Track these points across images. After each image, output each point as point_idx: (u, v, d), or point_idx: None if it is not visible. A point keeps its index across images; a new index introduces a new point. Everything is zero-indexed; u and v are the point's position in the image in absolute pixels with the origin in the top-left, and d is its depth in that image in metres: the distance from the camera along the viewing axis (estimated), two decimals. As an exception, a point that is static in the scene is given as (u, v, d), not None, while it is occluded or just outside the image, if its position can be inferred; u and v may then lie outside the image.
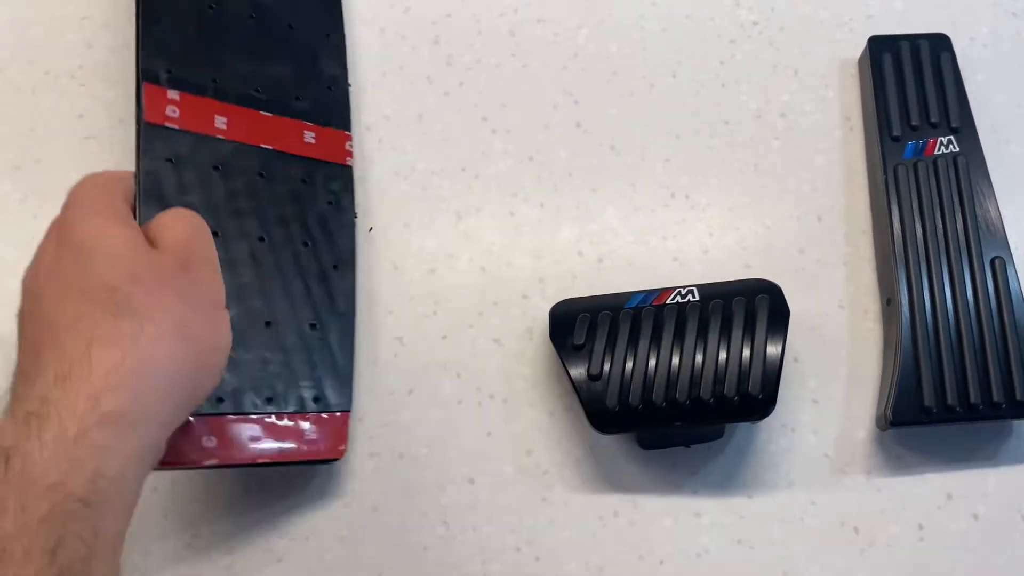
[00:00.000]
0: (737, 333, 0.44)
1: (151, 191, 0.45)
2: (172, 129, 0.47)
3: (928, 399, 0.45)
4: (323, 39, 0.54)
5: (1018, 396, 0.45)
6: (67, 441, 0.30)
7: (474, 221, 0.52)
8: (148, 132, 0.46)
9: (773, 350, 0.44)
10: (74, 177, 0.51)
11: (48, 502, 0.29)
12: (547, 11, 0.57)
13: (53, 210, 0.51)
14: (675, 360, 0.44)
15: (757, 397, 0.43)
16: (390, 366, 0.48)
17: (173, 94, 0.48)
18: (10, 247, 0.51)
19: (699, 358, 0.44)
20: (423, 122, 0.54)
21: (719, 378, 0.43)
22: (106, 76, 0.55)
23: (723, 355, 0.43)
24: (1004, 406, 0.45)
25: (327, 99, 0.52)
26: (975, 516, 0.46)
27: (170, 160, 0.46)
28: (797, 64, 0.56)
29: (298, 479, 0.47)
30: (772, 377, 0.43)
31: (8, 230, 0.51)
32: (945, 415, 0.45)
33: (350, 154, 0.51)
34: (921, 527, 0.46)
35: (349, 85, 0.54)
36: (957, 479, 0.46)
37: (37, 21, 0.56)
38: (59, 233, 0.36)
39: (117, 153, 0.53)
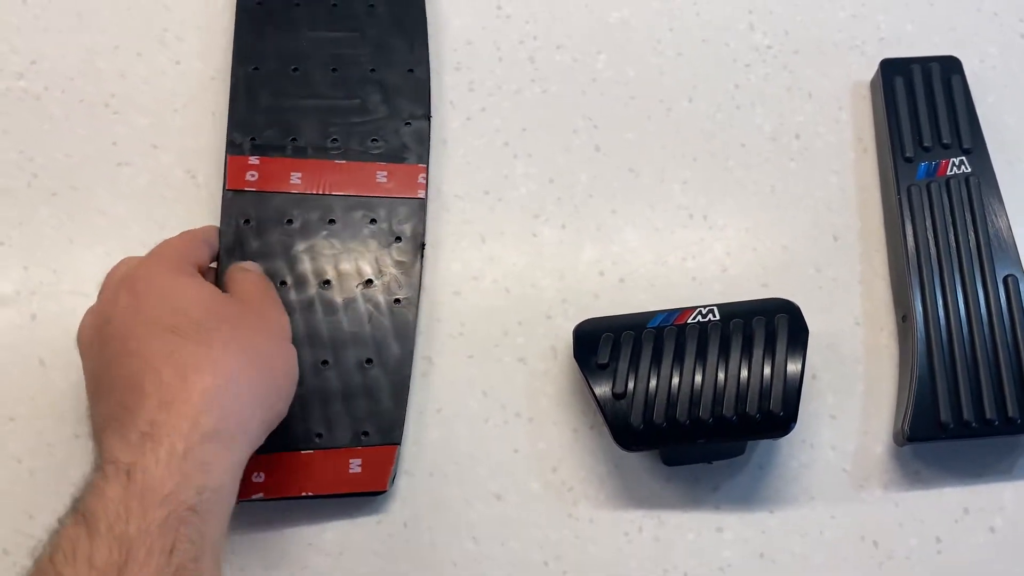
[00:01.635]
0: (758, 352, 0.45)
1: (230, 247, 0.50)
2: (250, 192, 0.51)
3: (944, 415, 0.46)
4: (405, 76, 0.55)
5: (1032, 411, 0.46)
6: (177, 457, 0.36)
7: (498, 243, 0.53)
8: (229, 197, 0.51)
9: (793, 368, 0.45)
10: (107, 202, 0.54)
11: (164, 509, 0.34)
12: (566, 37, 0.58)
13: (89, 234, 0.53)
14: (697, 378, 0.45)
15: (778, 415, 0.44)
16: (419, 386, 0.50)
17: (254, 160, 0.52)
18: (47, 271, 0.52)
19: (721, 376, 0.45)
20: (447, 147, 0.56)
21: (741, 396, 0.44)
22: (138, 104, 0.56)
23: (744, 374, 0.45)
24: (1019, 421, 0.46)
25: (404, 136, 0.54)
26: (992, 529, 0.47)
27: (248, 220, 0.51)
28: (811, 86, 0.57)
29: (332, 497, 0.48)
30: (792, 395, 0.44)
31: (46, 255, 0.53)
32: (961, 430, 0.46)
33: (423, 186, 0.53)
34: (939, 540, 0.47)
35: (430, 117, 0.54)
36: (974, 493, 0.48)
37: (72, 51, 0.58)
38: (134, 284, 0.42)
39: (148, 178, 0.54)
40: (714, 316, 0.47)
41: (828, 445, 0.49)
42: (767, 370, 0.45)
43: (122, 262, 0.46)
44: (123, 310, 0.41)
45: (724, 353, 0.45)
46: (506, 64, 0.58)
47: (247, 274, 0.48)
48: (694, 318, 0.47)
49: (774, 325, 0.46)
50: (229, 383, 0.38)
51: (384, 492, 0.47)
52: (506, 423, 0.49)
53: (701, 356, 0.45)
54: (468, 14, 0.59)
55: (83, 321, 0.44)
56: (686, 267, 0.53)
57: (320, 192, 0.52)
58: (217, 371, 0.38)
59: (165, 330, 0.40)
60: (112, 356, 0.40)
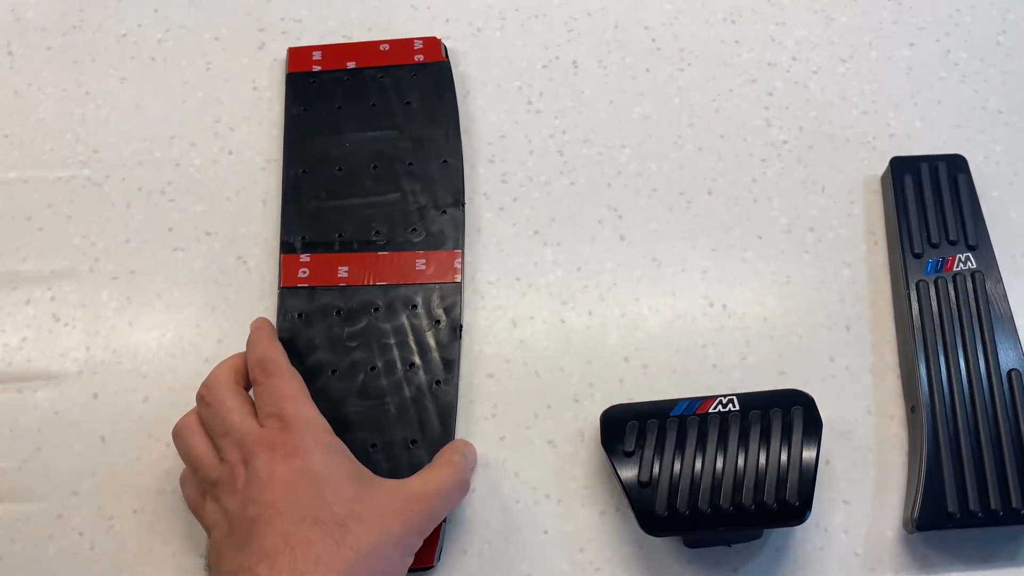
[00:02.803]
0: (775, 443, 0.48)
1: (285, 342, 0.53)
2: (302, 288, 0.55)
3: (951, 504, 0.49)
4: (440, 166, 0.59)
5: (1035, 502, 0.48)
6: None
7: (528, 328, 0.57)
8: (283, 295, 0.55)
9: (808, 458, 0.48)
10: (163, 286, 0.57)
11: None
12: (593, 132, 0.62)
13: (147, 316, 0.57)
14: (719, 467, 0.48)
15: (794, 504, 0.47)
16: (454, 466, 0.53)
17: (305, 258, 0.56)
18: (108, 352, 0.56)
19: (740, 465, 0.48)
20: (481, 235, 0.59)
21: (759, 485, 0.47)
22: (193, 192, 0.60)
23: (762, 462, 0.48)
24: (1022, 512, 0.48)
25: (440, 224, 0.57)
26: (998, 614, 0.49)
27: (300, 315, 0.55)
28: (824, 180, 0.60)
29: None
30: (808, 487, 0.47)
31: (106, 336, 0.56)
32: (967, 520, 0.48)
33: (458, 271, 0.56)
34: (947, 624, 0.49)
35: (463, 203, 0.58)
36: (980, 578, 0.50)
37: (130, 141, 0.62)
38: (302, 461, 0.45)
39: (201, 263, 0.58)
40: (734, 406, 0.50)
41: (841, 529, 0.51)
42: (783, 460, 0.48)
43: (269, 386, 0.49)
44: (285, 486, 0.44)
45: (743, 443, 0.48)
46: (536, 156, 0.61)
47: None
48: (715, 407, 0.50)
49: (790, 416, 0.49)
50: None
51: (431, 568, 0.50)
52: (536, 504, 0.52)
53: (722, 445, 0.48)
54: (502, 110, 0.63)
55: (230, 420, 0.47)
56: (707, 354, 0.56)
57: (366, 283, 0.55)
58: (345, 570, 0.41)
59: (312, 520, 0.42)
60: (264, 522, 0.42)
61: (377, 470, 0.51)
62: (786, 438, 0.48)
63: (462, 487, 0.49)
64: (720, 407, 0.50)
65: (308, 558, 0.41)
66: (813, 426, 0.49)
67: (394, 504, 0.45)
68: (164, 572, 0.51)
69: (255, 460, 0.44)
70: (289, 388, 0.48)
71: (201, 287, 0.58)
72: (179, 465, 0.52)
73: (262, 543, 0.41)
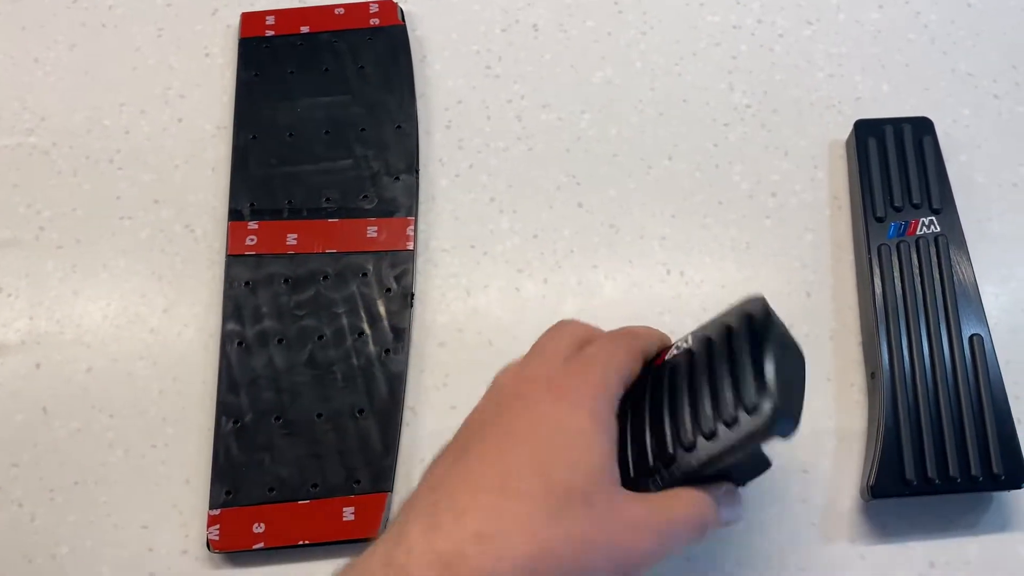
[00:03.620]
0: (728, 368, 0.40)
1: (231, 313, 0.53)
2: (249, 256, 0.54)
3: (909, 472, 0.47)
4: (394, 132, 0.58)
5: (995, 469, 0.47)
6: None
7: (482, 296, 0.55)
8: (229, 262, 0.54)
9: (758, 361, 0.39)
10: (110, 255, 0.56)
11: None
12: (552, 97, 0.60)
13: (92, 286, 0.55)
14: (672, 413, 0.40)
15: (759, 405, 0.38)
16: (404, 436, 0.52)
17: (253, 225, 0.55)
18: (52, 322, 0.55)
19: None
20: (435, 202, 0.58)
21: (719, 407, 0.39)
22: (142, 160, 0.59)
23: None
24: (981, 479, 0.47)
25: (393, 190, 0.56)
26: (957, 584, 0.48)
27: (247, 284, 0.53)
28: (788, 145, 0.59)
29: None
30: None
31: (51, 306, 0.55)
32: (925, 487, 0.47)
33: (411, 238, 0.55)
34: (905, 594, 0.48)
35: (418, 170, 0.57)
36: (939, 548, 0.49)
37: (78, 108, 0.60)
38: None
39: (148, 232, 0.57)
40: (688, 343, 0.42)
41: (798, 499, 0.50)
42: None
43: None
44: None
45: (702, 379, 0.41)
46: (494, 122, 0.60)
47: None
48: (670, 355, 0.42)
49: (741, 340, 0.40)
50: None
51: (375, 539, 0.48)
52: (486, 474, 0.51)
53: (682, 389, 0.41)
54: (459, 74, 0.61)
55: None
56: (663, 321, 0.54)
57: (315, 251, 0.54)
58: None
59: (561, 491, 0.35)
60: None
61: (323, 439, 0.50)
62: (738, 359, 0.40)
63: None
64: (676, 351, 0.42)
65: None
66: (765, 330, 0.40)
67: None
68: (105, 545, 0.50)
69: None
70: None
71: (147, 256, 0.56)
72: (122, 438, 0.51)
73: None
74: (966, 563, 0.49)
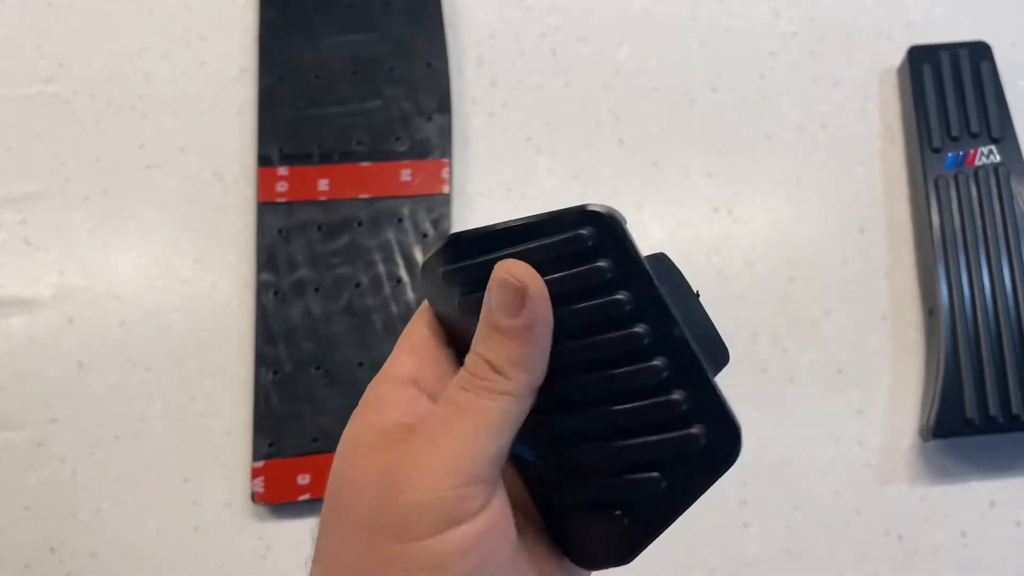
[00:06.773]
0: None
1: (265, 262, 0.51)
2: (281, 203, 0.52)
3: (970, 410, 0.46)
4: (424, 70, 0.55)
5: (1061, 407, 0.46)
6: None
7: (522, 240, 0.54)
8: (261, 210, 0.52)
9: None
10: (139, 206, 0.54)
11: None
12: (588, 29, 0.58)
13: (121, 238, 0.54)
14: None
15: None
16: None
17: (283, 171, 0.53)
18: (83, 275, 0.54)
19: None
20: (470, 144, 0.56)
21: None
22: (165, 106, 0.57)
23: None
24: (1047, 417, 0.46)
25: (425, 131, 0.54)
26: (1018, 523, 0.47)
27: (280, 231, 0.52)
28: (837, 75, 0.56)
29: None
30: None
31: (81, 259, 0.54)
32: (987, 426, 0.46)
33: (446, 181, 0.53)
34: (964, 535, 0.47)
35: (450, 109, 0.55)
36: (999, 487, 0.48)
37: (97, 54, 0.58)
38: None
39: (176, 181, 0.55)
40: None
41: (854, 440, 0.49)
42: None
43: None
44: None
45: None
46: (528, 57, 0.57)
47: None
48: None
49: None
50: None
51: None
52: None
53: None
54: (490, 8, 0.58)
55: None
56: (711, 262, 0.53)
57: (348, 197, 0.52)
58: None
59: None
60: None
61: (363, 387, 0.49)
62: None
63: None
64: None
65: None
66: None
67: None
68: (148, 497, 0.49)
69: None
70: None
71: (176, 205, 0.55)
72: (160, 391, 0.50)
73: None
74: (1028, 502, 0.47)
